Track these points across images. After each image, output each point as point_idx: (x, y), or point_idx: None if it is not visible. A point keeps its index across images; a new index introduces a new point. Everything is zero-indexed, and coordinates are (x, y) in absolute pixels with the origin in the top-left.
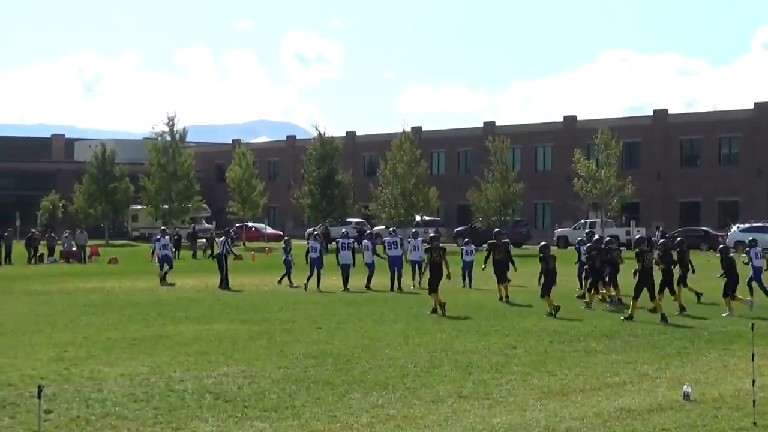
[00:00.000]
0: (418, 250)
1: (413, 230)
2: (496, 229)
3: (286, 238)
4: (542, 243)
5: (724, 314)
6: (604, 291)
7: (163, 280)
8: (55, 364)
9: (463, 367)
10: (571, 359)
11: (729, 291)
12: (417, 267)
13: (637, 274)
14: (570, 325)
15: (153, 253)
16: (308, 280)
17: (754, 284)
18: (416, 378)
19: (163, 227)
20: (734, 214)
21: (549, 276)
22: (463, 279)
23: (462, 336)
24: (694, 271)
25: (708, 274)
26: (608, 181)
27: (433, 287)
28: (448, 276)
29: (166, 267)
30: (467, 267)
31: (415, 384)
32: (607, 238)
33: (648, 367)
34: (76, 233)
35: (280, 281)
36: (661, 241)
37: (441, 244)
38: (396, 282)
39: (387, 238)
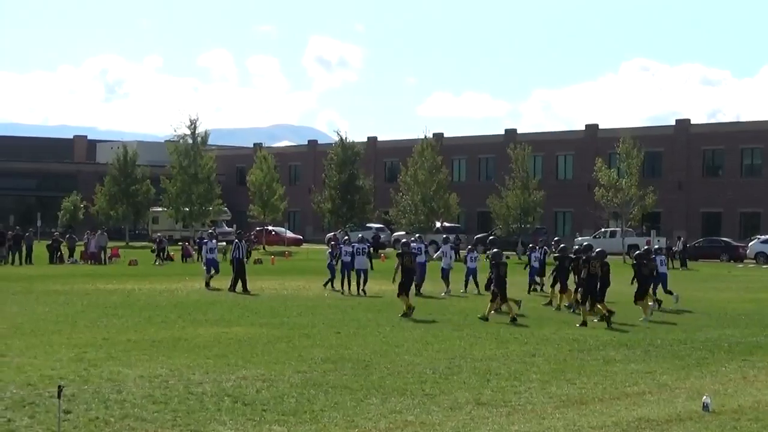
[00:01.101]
0: (446, 256)
1: (444, 236)
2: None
3: (333, 242)
4: (494, 250)
5: (640, 318)
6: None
7: (208, 284)
8: (75, 365)
9: (481, 374)
10: (590, 368)
11: (636, 296)
12: (442, 274)
13: (582, 281)
14: (589, 333)
15: (199, 256)
16: (342, 284)
17: (660, 288)
18: (435, 384)
19: (210, 230)
20: (755, 224)
21: (501, 282)
22: (465, 285)
23: (481, 343)
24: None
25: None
26: (629, 190)
27: (404, 290)
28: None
29: (212, 271)
30: (471, 273)
31: (434, 390)
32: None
33: (667, 378)
34: (97, 235)
35: (325, 285)
36: (598, 250)
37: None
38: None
39: (411, 243)
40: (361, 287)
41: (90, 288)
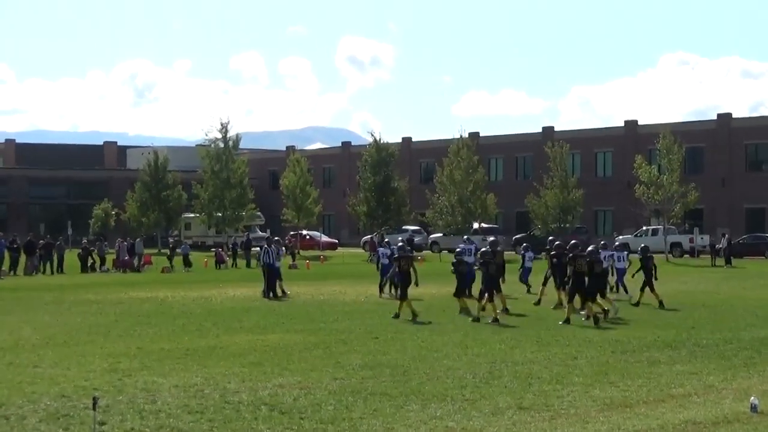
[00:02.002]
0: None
1: (492, 238)
2: (492, 238)
3: (387, 240)
4: (483, 249)
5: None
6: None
7: (276, 292)
8: (109, 375)
9: (523, 377)
10: (634, 370)
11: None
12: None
13: (569, 278)
14: (632, 334)
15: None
16: (381, 288)
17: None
18: (475, 389)
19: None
20: None
21: (489, 281)
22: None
23: (522, 346)
24: (656, 278)
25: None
26: (670, 187)
27: (403, 295)
28: (416, 283)
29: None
30: (527, 273)
31: (474, 395)
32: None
33: (714, 378)
34: (136, 242)
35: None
36: (590, 248)
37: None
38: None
39: (461, 245)
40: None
41: (122, 296)
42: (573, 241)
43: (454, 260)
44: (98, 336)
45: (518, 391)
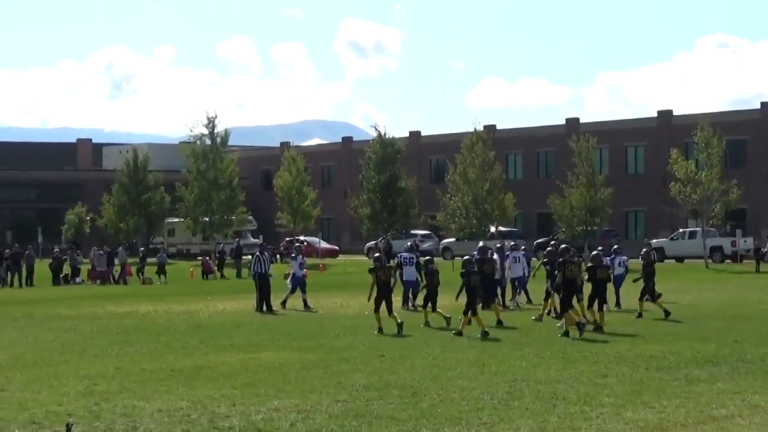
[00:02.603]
0: (518, 262)
1: (512, 243)
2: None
3: (409, 244)
4: (466, 257)
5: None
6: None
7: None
8: (84, 399)
9: (546, 398)
10: (671, 389)
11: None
12: (518, 283)
13: (560, 285)
14: (668, 349)
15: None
16: (405, 300)
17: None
18: (493, 412)
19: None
20: None
21: (471, 293)
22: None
23: (545, 363)
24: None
25: None
26: (710, 184)
27: (380, 306)
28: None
29: (291, 289)
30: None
31: (493, 419)
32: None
33: (759, 398)
34: (118, 251)
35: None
36: (593, 253)
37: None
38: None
39: (474, 252)
40: (411, 302)
41: (99, 311)
42: (563, 245)
43: (372, 265)
44: (72, 355)
45: (541, 414)
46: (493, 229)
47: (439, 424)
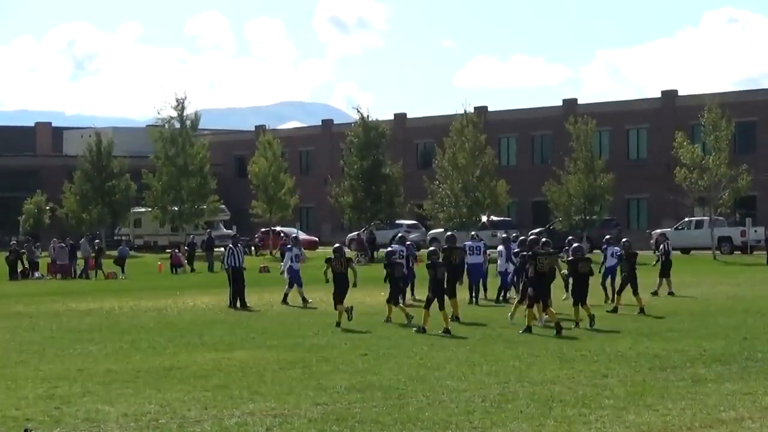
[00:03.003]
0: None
1: (503, 235)
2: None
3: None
4: (431, 248)
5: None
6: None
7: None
8: (44, 403)
9: (542, 401)
10: (676, 390)
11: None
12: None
13: (530, 279)
14: (673, 347)
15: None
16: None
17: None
18: (485, 415)
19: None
20: None
21: (436, 285)
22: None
23: (540, 363)
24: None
25: None
26: (718, 169)
27: (339, 299)
28: (355, 284)
29: (295, 285)
30: (609, 273)
31: (484, 423)
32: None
33: None
34: (81, 242)
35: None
36: (574, 246)
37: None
38: (474, 295)
39: (468, 242)
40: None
41: (60, 308)
42: (532, 236)
43: (330, 255)
44: (31, 356)
45: (537, 417)
46: (484, 218)
47: (426, 428)
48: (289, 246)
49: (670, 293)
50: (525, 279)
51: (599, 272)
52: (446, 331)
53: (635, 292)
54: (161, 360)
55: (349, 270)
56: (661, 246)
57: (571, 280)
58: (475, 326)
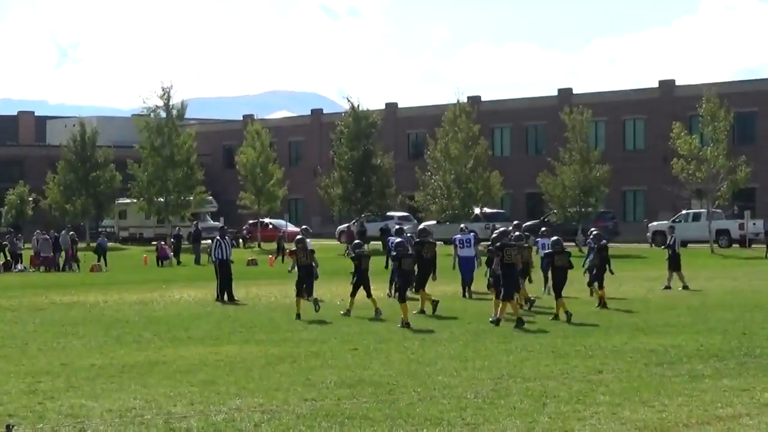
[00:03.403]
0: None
1: (421, 227)
2: (421, 226)
3: (399, 227)
4: (397, 239)
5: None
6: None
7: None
8: (27, 398)
9: (536, 396)
10: (672, 386)
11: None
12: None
13: (497, 271)
14: (670, 342)
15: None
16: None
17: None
18: (478, 411)
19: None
20: None
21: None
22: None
23: (534, 358)
24: (612, 272)
25: None
26: (716, 161)
27: (301, 291)
28: (316, 276)
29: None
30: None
31: (477, 419)
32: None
33: None
34: (61, 234)
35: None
36: (553, 239)
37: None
38: (467, 288)
39: (458, 236)
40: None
41: (43, 301)
42: (501, 228)
43: (294, 247)
44: (13, 350)
45: (530, 413)
46: (477, 210)
47: (417, 424)
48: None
49: (685, 287)
50: (491, 271)
51: (583, 266)
52: (422, 311)
53: (600, 285)
54: (146, 355)
55: (313, 262)
56: (669, 239)
57: (550, 274)
58: (468, 321)
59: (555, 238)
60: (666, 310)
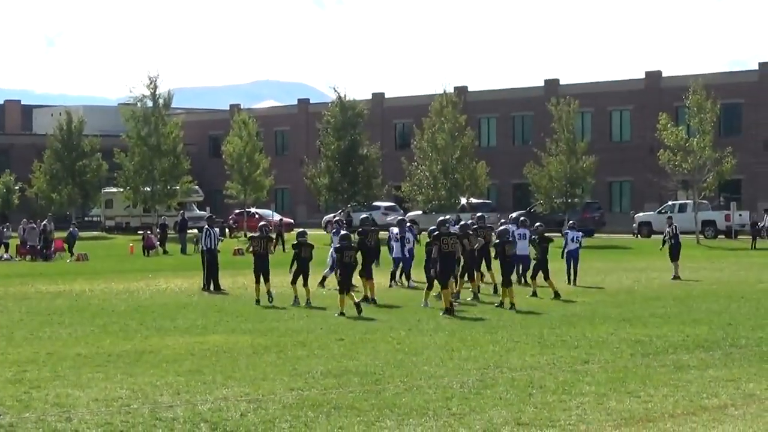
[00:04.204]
0: (525, 239)
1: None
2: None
3: (401, 219)
4: (342, 232)
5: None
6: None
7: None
8: (12, 387)
9: (522, 387)
10: (658, 376)
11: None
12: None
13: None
14: (655, 333)
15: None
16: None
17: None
18: (463, 401)
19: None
20: None
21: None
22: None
23: (520, 348)
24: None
25: None
26: (702, 152)
27: (258, 278)
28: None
29: (331, 266)
30: (571, 258)
31: (463, 409)
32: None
33: (755, 386)
34: (45, 223)
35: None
36: (500, 229)
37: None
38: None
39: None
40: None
41: (29, 290)
42: (440, 218)
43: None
44: None
45: (516, 403)
46: (463, 200)
47: (403, 414)
48: (335, 231)
49: (676, 277)
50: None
51: (561, 258)
52: (366, 299)
53: (546, 276)
54: (133, 344)
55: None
56: (668, 229)
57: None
58: (455, 311)
59: (503, 228)
60: (652, 300)
